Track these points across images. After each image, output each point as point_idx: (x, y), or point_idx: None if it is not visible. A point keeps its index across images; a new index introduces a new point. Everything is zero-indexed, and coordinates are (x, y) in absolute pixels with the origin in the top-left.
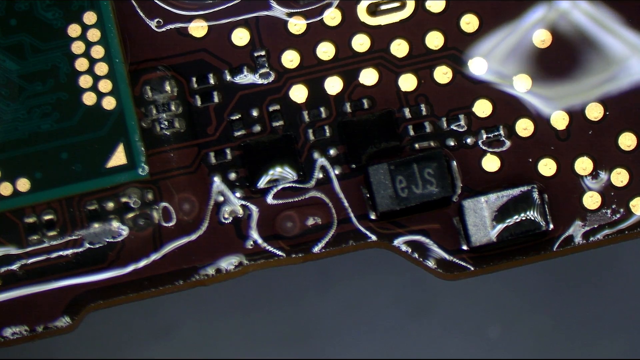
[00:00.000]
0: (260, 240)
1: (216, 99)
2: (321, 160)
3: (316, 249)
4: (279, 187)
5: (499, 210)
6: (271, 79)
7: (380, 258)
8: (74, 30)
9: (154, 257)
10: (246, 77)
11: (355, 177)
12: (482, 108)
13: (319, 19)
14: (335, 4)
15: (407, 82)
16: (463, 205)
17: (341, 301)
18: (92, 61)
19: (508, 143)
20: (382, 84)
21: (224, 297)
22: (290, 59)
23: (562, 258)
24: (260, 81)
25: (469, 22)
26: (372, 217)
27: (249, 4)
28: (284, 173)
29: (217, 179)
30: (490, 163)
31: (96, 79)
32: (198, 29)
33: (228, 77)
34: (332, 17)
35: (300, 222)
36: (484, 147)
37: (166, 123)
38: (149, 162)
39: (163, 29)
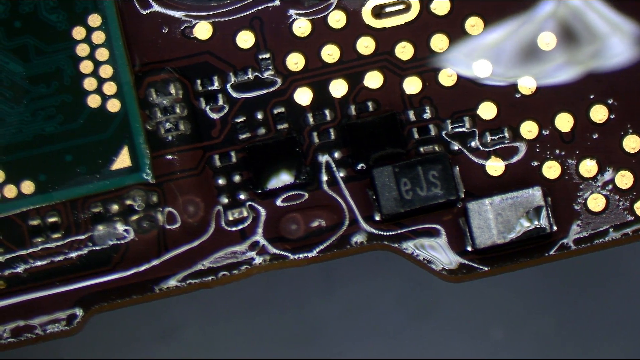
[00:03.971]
0: (265, 242)
1: (221, 102)
2: (326, 163)
3: (320, 251)
4: (287, 194)
5: (503, 213)
6: (277, 86)
7: (384, 260)
8: (78, 32)
9: (158, 260)
10: (251, 92)
11: (360, 179)
12: (487, 110)
13: (323, 16)
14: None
15: (412, 85)
16: (467, 207)
17: (345, 303)
18: (97, 63)
19: (517, 150)
20: (387, 87)
21: (228, 299)
22: (295, 61)
23: (566, 260)
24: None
25: (474, 25)
26: (377, 218)
27: (254, 5)
28: (288, 181)
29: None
30: (495, 166)
31: (101, 81)
32: (203, 31)
33: (233, 80)
34: (336, 19)
35: (305, 225)
36: (488, 150)
37: (171, 125)
38: (153, 165)
39: (167, 31)
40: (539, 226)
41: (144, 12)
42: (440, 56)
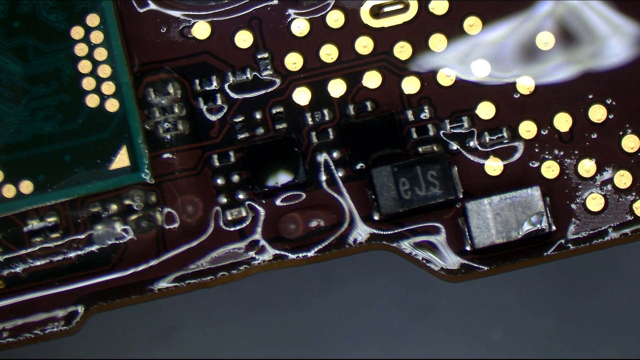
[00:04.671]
0: (264, 242)
1: (219, 102)
2: (325, 163)
3: (319, 251)
4: (286, 194)
5: (502, 213)
6: (276, 86)
7: (383, 260)
8: (77, 32)
9: (157, 260)
10: (250, 92)
11: (359, 179)
12: (486, 110)
13: (321, 16)
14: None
15: (411, 85)
16: (466, 207)
17: (344, 303)
18: (95, 63)
19: (516, 150)
20: (385, 87)
21: (227, 299)
22: (294, 61)
23: (565, 260)
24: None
25: (473, 24)
26: (376, 218)
27: (252, 5)
28: (286, 180)
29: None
30: (493, 165)
31: (99, 81)
32: (201, 30)
33: (231, 80)
34: (335, 19)
35: (304, 224)
36: (487, 150)
37: (169, 125)
38: (152, 165)
39: (166, 31)
40: (537, 226)
41: (141, 11)
42: (439, 56)
